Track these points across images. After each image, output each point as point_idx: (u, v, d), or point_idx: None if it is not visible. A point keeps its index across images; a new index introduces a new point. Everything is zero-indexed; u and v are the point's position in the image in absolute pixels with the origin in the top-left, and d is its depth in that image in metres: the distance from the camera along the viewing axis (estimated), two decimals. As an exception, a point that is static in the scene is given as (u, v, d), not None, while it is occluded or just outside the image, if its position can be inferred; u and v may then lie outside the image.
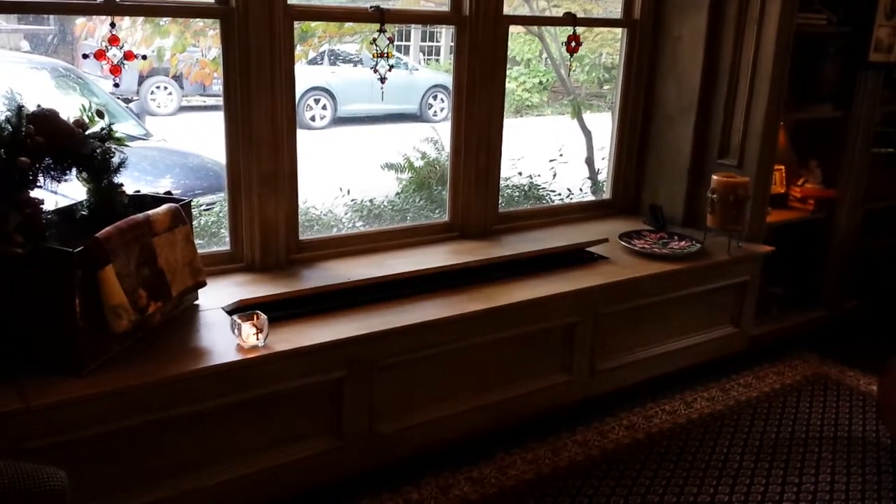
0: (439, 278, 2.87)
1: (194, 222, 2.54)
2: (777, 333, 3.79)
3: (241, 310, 2.43)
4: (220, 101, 2.76)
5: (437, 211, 4.26)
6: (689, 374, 3.46)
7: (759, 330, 3.66)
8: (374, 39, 2.86)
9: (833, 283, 3.97)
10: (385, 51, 2.87)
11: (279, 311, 2.49)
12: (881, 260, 4.12)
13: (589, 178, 5.36)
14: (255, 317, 2.30)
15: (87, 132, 2.22)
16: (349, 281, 2.76)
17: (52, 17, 4.75)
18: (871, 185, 3.90)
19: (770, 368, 3.66)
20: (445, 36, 7.19)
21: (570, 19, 3.37)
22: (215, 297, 2.55)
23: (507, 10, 3.22)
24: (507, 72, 3.35)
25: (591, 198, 4.97)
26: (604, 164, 4.39)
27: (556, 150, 5.21)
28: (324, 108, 6.76)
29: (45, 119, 2.10)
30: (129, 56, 2.39)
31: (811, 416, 3.25)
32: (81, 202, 2.31)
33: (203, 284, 2.47)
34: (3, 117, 2.04)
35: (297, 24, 2.80)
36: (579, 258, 3.19)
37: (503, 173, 3.47)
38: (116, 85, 2.44)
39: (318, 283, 2.71)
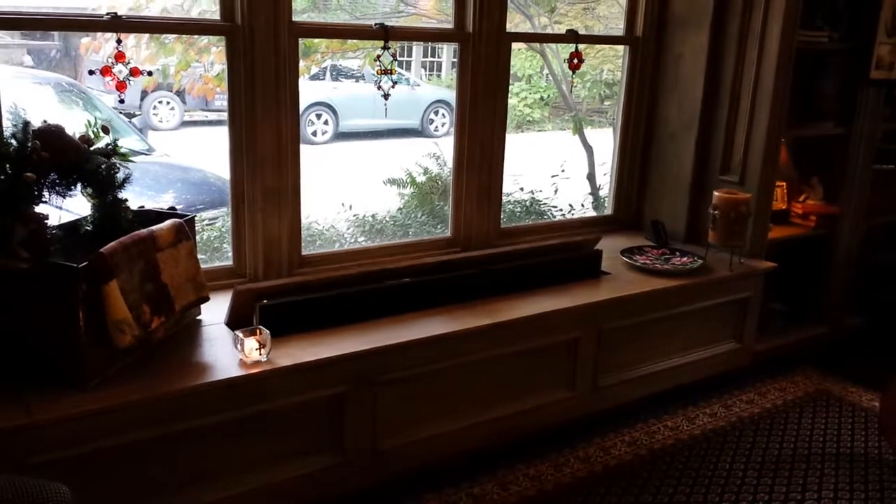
0: (440, 285, 2.85)
1: (197, 237, 2.55)
2: (779, 349, 3.78)
3: (237, 298, 2.44)
4: (221, 115, 2.80)
5: (439, 226, 4.27)
6: (692, 390, 3.45)
7: (761, 346, 3.65)
8: (378, 56, 2.88)
9: (835, 300, 3.97)
10: (388, 67, 2.88)
11: (276, 298, 2.50)
12: (883, 276, 4.12)
13: (590, 193, 5.37)
14: (257, 332, 2.30)
15: (92, 148, 2.23)
16: (347, 273, 2.77)
17: (56, 32, 4.77)
18: (872, 202, 3.90)
19: (772, 384, 3.66)
20: (447, 52, 7.21)
21: (572, 36, 3.39)
22: (218, 312, 2.55)
23: (510, 27, 3.25)
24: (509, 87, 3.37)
25: (592, 213, 5.00)
26: (605, 180, 4.41)
27: (558, 166, 5.22)
28: (325, 123, 6.77)
29: (52, 135, 2.10)
30: (134, 72, 2.41)
31: (813, 432, 3.24)
32: (86, 217, 2.32)
33: (206, 299, 2.48)
34: (9, 132, 2.05)
35: (300, 41, 2.82)
36: (581, 273, 3.19)
37: (505, 189, 3.48)
38: (121, 101, 2.46)
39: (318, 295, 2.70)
